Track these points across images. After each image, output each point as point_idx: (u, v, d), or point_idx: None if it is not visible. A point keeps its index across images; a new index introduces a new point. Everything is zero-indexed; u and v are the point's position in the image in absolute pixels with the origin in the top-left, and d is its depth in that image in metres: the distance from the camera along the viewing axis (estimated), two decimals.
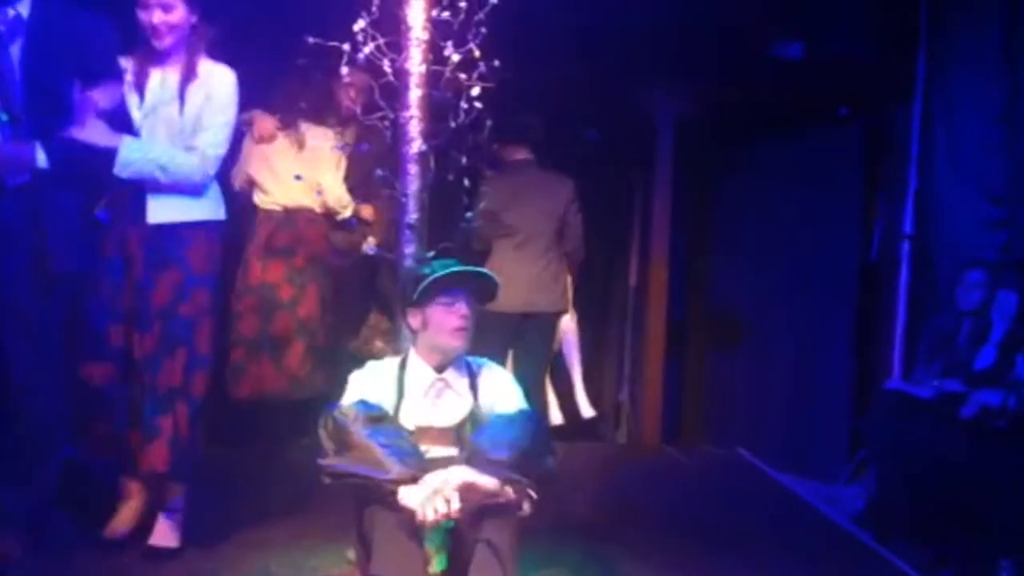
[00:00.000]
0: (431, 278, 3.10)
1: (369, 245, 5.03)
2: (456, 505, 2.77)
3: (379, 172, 3.74)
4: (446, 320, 3.12)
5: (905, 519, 4.27)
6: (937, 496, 4.04)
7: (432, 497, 2.76)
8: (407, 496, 2.79)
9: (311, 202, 5.12)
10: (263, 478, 4.80)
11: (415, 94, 3.69)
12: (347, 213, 5.23)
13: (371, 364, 3.25)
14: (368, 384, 3.12)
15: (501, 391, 3.19)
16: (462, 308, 3.13)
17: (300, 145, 5.12)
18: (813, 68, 5.70)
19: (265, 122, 5.10)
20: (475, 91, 3.68)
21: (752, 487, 5.40)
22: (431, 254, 3.79)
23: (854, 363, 5.83)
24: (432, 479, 2.80)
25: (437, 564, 2.98)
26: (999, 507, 3.87)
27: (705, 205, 6.62)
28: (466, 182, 3.86)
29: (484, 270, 3.32)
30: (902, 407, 4.38)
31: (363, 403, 2.98)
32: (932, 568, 3.93)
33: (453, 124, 3.70)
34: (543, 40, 5.33)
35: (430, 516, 2.74)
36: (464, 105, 3.69)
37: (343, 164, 5.15)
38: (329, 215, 5.20)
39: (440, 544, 2.94)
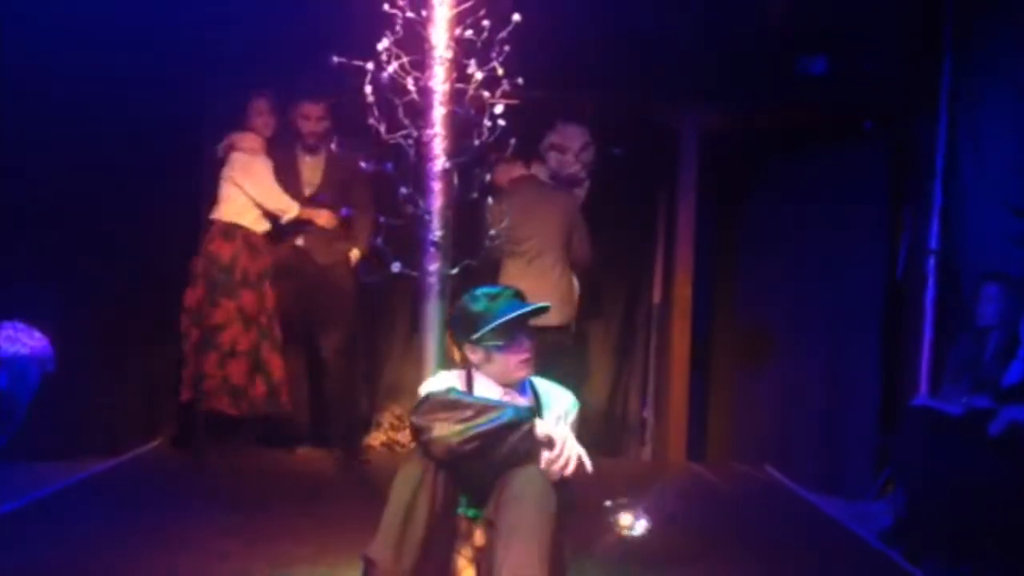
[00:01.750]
0: (492, 325, 3.10)
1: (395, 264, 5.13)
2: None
3: (403, 190, 3.76)
4: (510, 357, 3.14)
5: (934, 536, 4.22)
6: (966, 513, 3.99)
7: (569, 448, 2.93)
8: (547, 431, 2.94)
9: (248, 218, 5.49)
10: (287, 493, 4.84)
11: (439, 112, 3.72)
12: (289, 216, 5.51)
13: (441, 374, 3.29)
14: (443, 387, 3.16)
15: (564, 409, 3.24)
16: (525, 343, 3.16)
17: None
18: (837, 83, 5.70)
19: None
20: (498, 109, 3.70)
21: (779, 504, 5.38)
22: (454, 271, 3.82)
23: (881, 379, 5.78)
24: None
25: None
26: None
27: (729, 221, 6.60)
28: (490, 200, 3.89)
29: (543, 305, 3.34)
30: (930, 424, 4.34)
31: (452, 389, 3.08)
32: None
33: (477, 142, 3.72)
34: (566, 58, 5.36)
35: (570, 465, 2.92)
36: (488, 123, 3.71)
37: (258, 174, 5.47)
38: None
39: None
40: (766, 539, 4.56)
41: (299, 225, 5.58)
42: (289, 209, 5.50)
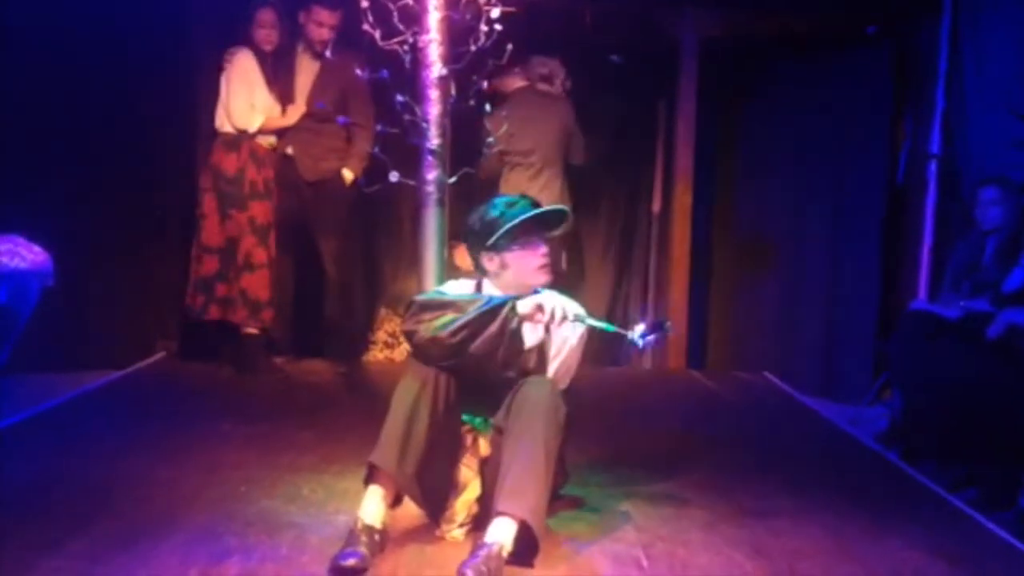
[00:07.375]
0: (510, 224, 3.10)
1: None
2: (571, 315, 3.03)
3: (400, 98, 3.71)
4: (528, 261, 3.15)
5: (931, 439, 4.26)
6: (962, 415, 4.02)
7: (554, 302, 3.00)
8: (528, 303, 2.99)
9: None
10: (292, 404, 4.88)
11: (434, 17, 3.66)
12: (250, 130, 5.36)
13: (450, 283, 3.30)
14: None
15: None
16: (542, 247, 3.16)
17: None
18: None
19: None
20: (495, 14, 3.63)
21: (777, 409, 5.42)
22: (452, 180, 3.79)
23: (880, 286, 5.79)
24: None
25: (470, 491, 3.11)
26: None
27: (730, 128, 6.54)
28: (487, 107, 3.85)
29: (562, 208, 3.33)
30: (928, 328, 4.34)
31: (435, 291, 3.16)
32: (957, 487, 3.93)
33: (473, 48, 3.66)
34: None
35: (558, 313, 2.98)
36: (484, 28, 3.66)
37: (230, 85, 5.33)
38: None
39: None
40: (765, 442, 4.61)
41: (286, 132, 5.50)
42: (249, 125, 5.35)
